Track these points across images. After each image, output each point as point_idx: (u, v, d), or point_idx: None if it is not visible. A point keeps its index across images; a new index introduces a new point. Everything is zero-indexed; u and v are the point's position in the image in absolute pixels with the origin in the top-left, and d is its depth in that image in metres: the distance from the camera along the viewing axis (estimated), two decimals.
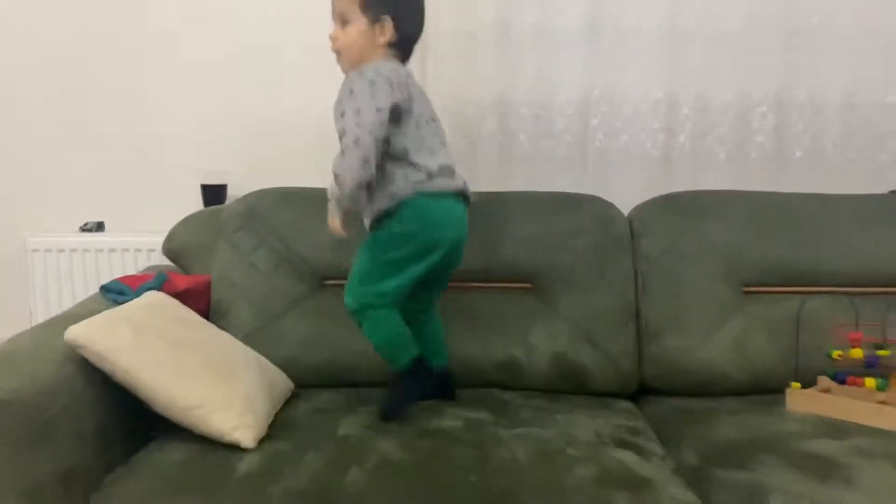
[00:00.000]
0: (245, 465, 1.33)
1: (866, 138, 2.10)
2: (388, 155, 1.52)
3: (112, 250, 2.15)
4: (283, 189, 1.92)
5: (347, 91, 1.49)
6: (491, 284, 1.84)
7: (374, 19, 1.55)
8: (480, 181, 2.10)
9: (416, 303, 1.65)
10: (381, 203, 1.53)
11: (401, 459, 1.36)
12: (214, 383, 1.43)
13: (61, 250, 2.15)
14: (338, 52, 1.60)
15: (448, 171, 1.58)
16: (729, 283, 1.81)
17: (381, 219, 1.55)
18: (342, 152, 1.46)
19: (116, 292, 1.74)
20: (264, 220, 1.86)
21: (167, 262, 2.11)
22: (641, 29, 2.09)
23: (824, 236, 1.83)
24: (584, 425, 1.56)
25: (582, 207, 1.90)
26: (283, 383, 1.66)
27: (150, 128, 2.22)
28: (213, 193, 2.16)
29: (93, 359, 1.37)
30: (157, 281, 1.71)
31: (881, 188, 2.01)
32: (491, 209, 1.88)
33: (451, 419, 1.55)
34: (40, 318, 2.16)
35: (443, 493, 1.27)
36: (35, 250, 2.14)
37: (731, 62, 2.09)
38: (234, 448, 1.38)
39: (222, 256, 1.85)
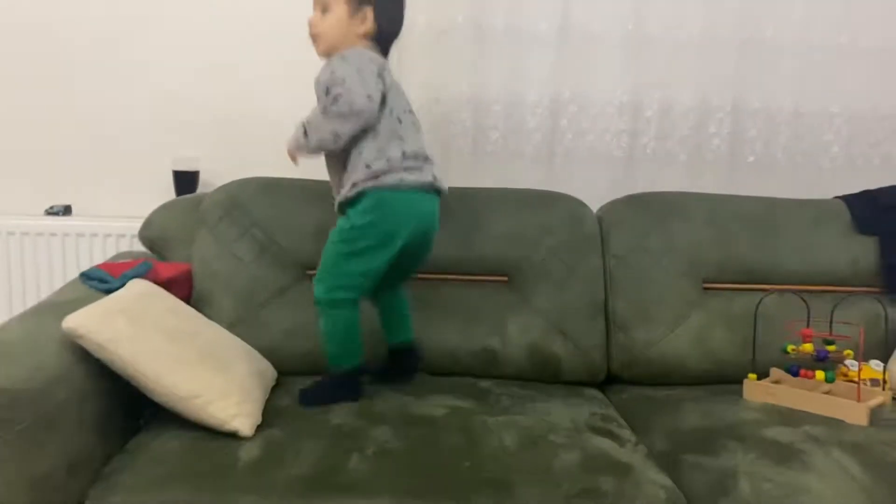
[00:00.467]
0: (245, 452, 1.37)
1: (812, 145, 2.26)
2: (356, 140, 1.56)
3: (80, 235, 2.12)
4: (263, 179, 1.94)
5: (334, 67, 1.54)
6: (468, 277, 1.91)
7: (356, 9, 1.59)
8: (453, 175, 2.15)
9: (383, 282, 1.67)
10: (345, 191, 1.58)
11: (397, 447, 1.42)
12: (212, 373, 1.46)
13: (25, 233, 2.11)
14: (315, 37, 1.63)
15: (416, 159, 1.60)
16: (690, 280, 1.93)
17: (345, 206, 1.60)
18: (324, 114, 1.53)
19: (98, 279, 1.73)
20: (246, 210, 1.88)
21: (137, 248, 2.11)
22: (608, 35, 2.18)
23: (777, 237, 1.97)
24: (560, 413, 1.65)
25: (555, 205, 1.98)
26: (270, 372, 1.69)
27: (119, 111, 2.19)
28: (186, 180, 2.15)
29: (91, 348, 1.37)
30: (142, 269, 1.71)
31: (824, 191, 2.16)
32: (468, 205, 1.95)
33: (436, 406, 1.62)
34: (2, 300, 2.12)
35: (441, 478, 1.34)
36: None
37: (691, 70, 2.20)
38: (229, 436, 1.41)
39: (203, 245, 1.86)
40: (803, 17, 2.19)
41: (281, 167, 2.02)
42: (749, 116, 2.23)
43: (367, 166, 1.55)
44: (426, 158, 1.63)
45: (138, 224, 2.07)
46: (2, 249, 2.11)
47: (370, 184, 1.55)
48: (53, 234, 2.12)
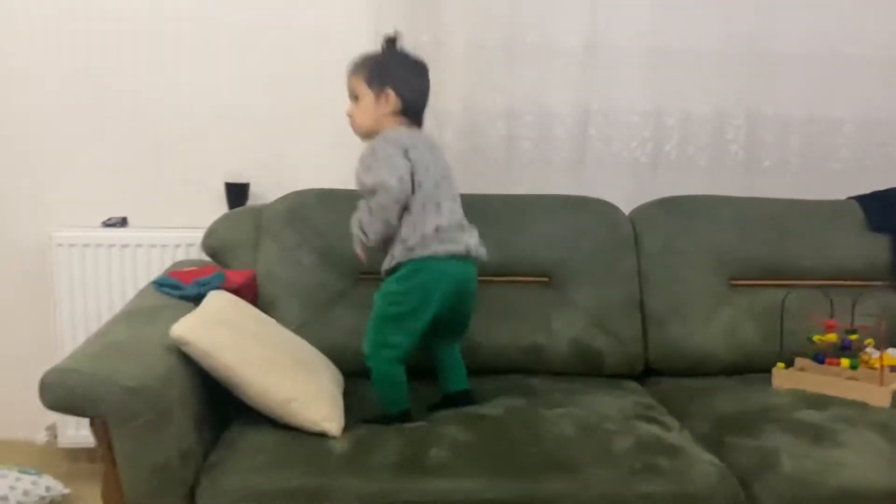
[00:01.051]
0: (338, 445, 1.50)
1: (823, 149, 2.40)
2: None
3: (137, 245, 2.22)
4: (319, 190, 2.07)
5: (367, 164, 1.69)
6: (512, 279, 2.04)
7: (378, 91, 1.74)
8: (488, 182, 2.28)
9: (439, 340, 1.79)
10: (386, 262, 1.72)
11: (469, 440, 1.55)
12: (304, 379, 1.59)
13: (86, 245, 2.20)
14: (353, 126, 1.80)
15: (450, 231, 1.70)
16: (719, 277, 2.08)
17: (388, 273, 1.73)
18: (370, 211, 1.67)
19: (171, 286, 1.85)
20: (305, 219, 2.00)
21: (191, 256, 2.23)
22: (631, 49, 2.31)
23: (797, 236, 2.12)
24: (607, 403, 1.78)
25: (590, 209, 2.13)
26: (340, 376, 1.81)
27: (172, 125, 2.30)
28: (237, 192, 2.26)
29: (196, 355, 1.49)
30: (217, 277, 1.83)
31: (836, 193, 2.31)
32: (509, 211, 2.09)
33: (492, 408, 1.73)
34: (64, 309, 2.22)
35: (514, 463, 1.48)
36: (60, 245, 2.19)
37: (709, 81, 2.34)
38: (319, 435, 1.53)
39: (267, 253, 1.98)
40: (812, 30, 2.33)
41: (325, 178, 2.17)
42: (764, 123, 2.37)
43: (403, 241, 1.68)
44: (461, 228, 1.75)
45: (192, 234, 2.21)
46: (63, 261, 2.20)
47: (406, 256, 1.68)
48: (112, 245, 2.22)
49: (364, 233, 1.71)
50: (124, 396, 1.32)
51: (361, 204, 1.73)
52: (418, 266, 1.68)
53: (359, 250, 1.75)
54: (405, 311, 1.69)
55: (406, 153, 1.69)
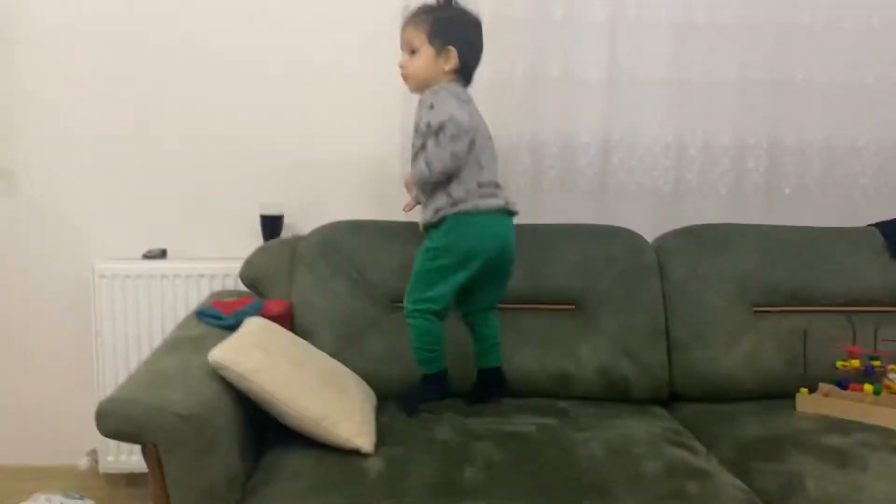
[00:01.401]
0: (372, 466, 1.56)
1: (842, 177, 2.45)
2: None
3: (176, 276, 2.30)
4: (353, 221, 2.14)
5: (429, 104, 1.75)
6: (540, 306, 2.10)
7: (440, 48, 1.80)
8: None
9: (475, 304, 1.90)
10: (427, 215, 1.80)
11: (502, 459, 1.61)
12: (335, 397, 1.65)
13: (127, 276, 2.29)
14: (406, 77, 1.85)
15: (489, 187, 1.82)
16: (741, 304, 2.12)
17: (429, 228, 1.82)
18: (437, 143, 1.71)
19: (212, 316, 1.92)
20: (339, 250, 2.07)
21: (228, 286, 2.30)
22: (653, 80, 2.37)
23: (818, 263, 2.16)
24: (635, 427, 1.83)
25: (615, 238, 2.18)
26: (373, 395, 1.88)
27: (209, 160, 2.39)
28: (271, 223, 2.34)
29: (233, 379, 1.56)
30: (256, 306, 1.90)
31: (856, 220, 2.35)
32: (536, 240, 2.14)
33: (524, 425, 1.80)
34: (106, 338, 2.30)
35: (547, 484, 1.53)
36: (102, 276, 2.28)
37: (729, 110, 2.40)
38: (353, 453, 1.60)
39: (302, 283, 2.05)
40: (830, 59, 2.38)
41: (357, 210, 2.25)
42: (784, 152, 2.42)
43: (448, 195, 1.76)
44: (497, 185, 1.85)
45: (229, 265, 2.29)
46: (105, 291, 2.28)
47: (450, 210, 1.77)
48: (151, 276, 2.30)
49: (429, 165, 1.72)
50: (176, 424, 1.39)
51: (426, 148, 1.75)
52: (463, 220, 1.77)
53: (411, 193, 1.80)
54: (447, 265, 1.78)
55: (465, 107, 1.77)
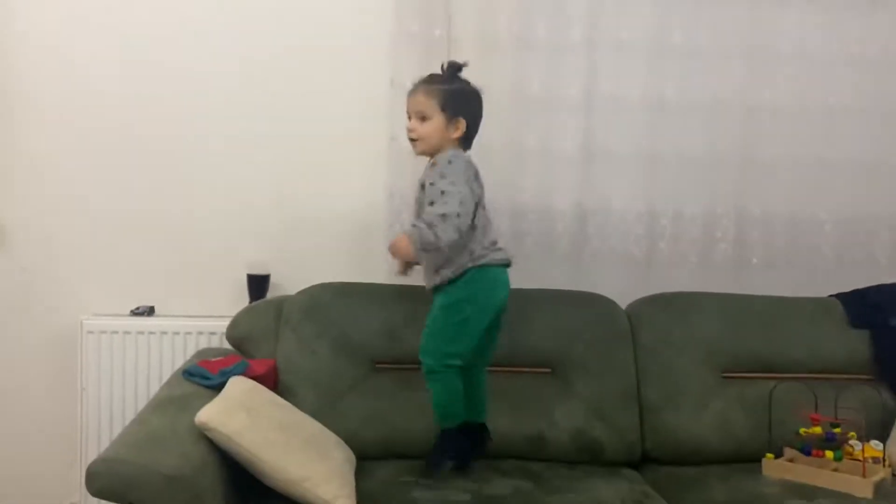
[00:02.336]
0: None
1: (806, 248, 2.57)
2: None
3: (163, 333, 2.36)
4: (339, 284, 2.22)
5: (442, 172, 1.86)
6: (516, 369, 2.17)
7: (451, 118, 1.93)
8: None
9: (476, 358, 1.97)
10: (448, 272, 1.89)
11: None
12: (317, 459, 1.71)
13: (115, 332, 2.34)
14: (415, 140, 1.96)
15: (496, 243, 1.97)
16: (710, 369, 2.21)
17: (446, 285, 1.90)
18: (444, 218, 1.79)
19: (200, 376, 1.97)
20: (324, 312, 2.14)
21: (215, 344, 2.36)
22: (626, 153, 2.50)
23: (783, 331, 2.26)
24: (606, 491, 1.90)
25: (590, 304, 2.28)
26: (353, 458, 1.92)
27: (196, 219, 2.46)
28: (258, 283, 2.41)
29: (219, 440, 1.61)
30: (241, 367, 1.96)
31: (819, 289, 2.46)
32: (513, 304, 2.18)
33: (500, 487, 1.87)
34: (91, 393, 2.33)
35: None
36: (90, 332, 2.33)
37: (698, 183, 2.52)
38: None
39: (287, 343, 2.11)
40: (793, 136, 2.52)
41: (343, 272, 2.32)
42: (751, 223, 2.55)
43: (471, 252, 1.90)
44: (497, 241, 2.00)
45: (215, 323, 2.35)
46: (92, 347, 2.33)
47: (472, 264, 1.89)
48: (139, 333, 2.35)
49: (437, 237, 1.79)
50: (164, 485, 1.44)
51: (430, 210, 1.84)
52: (484, 272, 1.90)
53: (411, 251, 1.82)
54: (469, 316, 1.89)
55: (476, 176, 1.93)
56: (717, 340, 2.23)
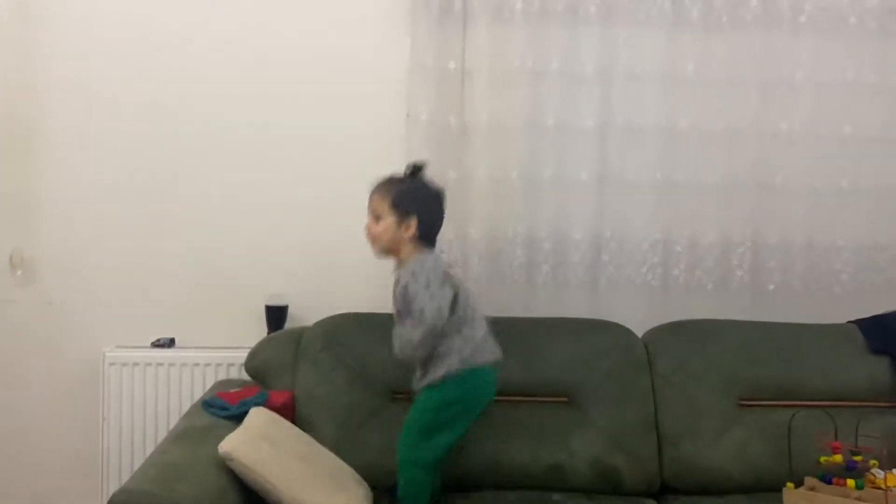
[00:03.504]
0: None
1: (824, 274, 2.56)
2: (444, 331, 1.86)
3: (183, 364, 2.39)
4: (355, 314, 2.24)
5: (403, 287, 1.87)
6: (533, 399, 2.17)
7: (401, 218, 1.93)
8: (508, 303, 2.44)
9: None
10: (436, 374, 1.88)
11: None
12: (336, 493, 1.73)
13: (136, 364, 2.38)
14: (370, 240, 1.98)
15: (486, 339, 1.94)
16: (728, 398, 2.20)
17: (432, 386, 1.89)
18: (423, 332, 1.82)
19: (219, 407, 2.00)
20: (341, 342, 2.17)
21: (233, 376, 2.38)
22: (641, 182, 2.51)
23: (802, 359, 2.25)
24: None
25: (606, 332, 2.28)
26: (370, 492, 1.93)
27: (215, 252, 2.50)
28: (276, 314, 2.44)
29: (240, 470, 1.64)
30: (261, 398, 1.98)
31: (838, 315, 2.45)
32: (530, 333, 2.24)
33: None
34: (113, 424, 2.37)
35: None
36: (112, 363, 2.37)
37: (714, 210, 2.53)
38: None
39: (305, 375, 2.13)
40: (810, 164, 2.52)
41: (361, 302, 2.34)
42: (767, 250, 2.54)
43: (460, 352, 1.88)
44: (488, 334, 1.96)
45: (235, 354, 2.38)
46: (114, 378, 2.37)
47: (461, 365, 1.87)
48: (160, 364, 2.39)
49: (402, 350, 1.85)
50: None
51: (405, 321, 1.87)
52: (474, 373, 1.88)
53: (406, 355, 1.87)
54: (455, 417, 1.88)
55: (445, 279, 1.89)
56: (734, 368, 2.22)
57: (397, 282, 1.93)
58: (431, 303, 1.82)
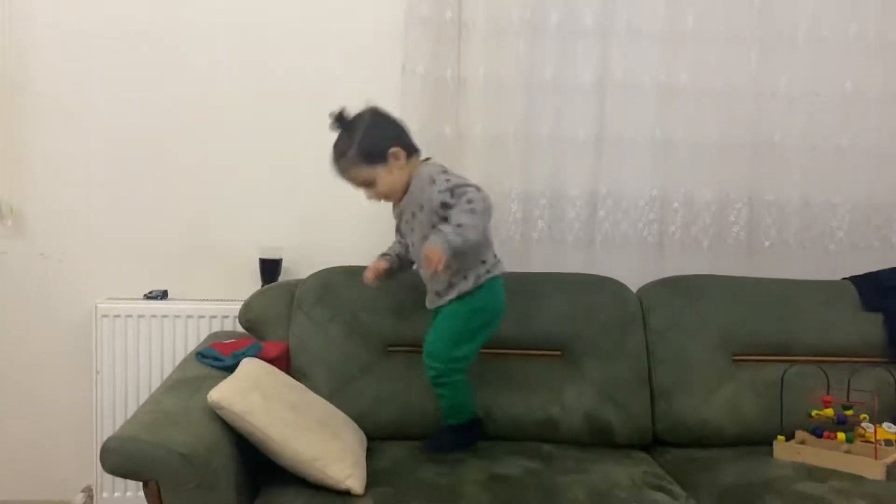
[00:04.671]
0: None
1: (819, 232, 2.56)
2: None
3: (176, 316, 2.38)
4: (348, 267, 2.23)
5: (441, 177, 1.85)
6: (527, 352, 2.17)
7: (384, 160, 1.88)
8: (505, 260, 2.40)
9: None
10: (466, 286, 1.89)
11: (489, 501, 1.67)
12: (328, 440, 1.72)
13: (129, 316, 2.36)
14: (385, 199, 1.94)
15: (497, 255, 1.99)
16: (722, 353, 2.20)
17: (463, 296, 1.90)
18: (472, 211, 1.78)
19: (213, 358, 1.99)
20: (336, 295, 2.16)
21: (227, 328, 2.38)
22: (638, 139, 2.49)
23: (796, 315, 2.25)
24: (618, 472, 1.90)
25: (601, 287, 2.27)
26: (364, 438, 1.94)
27: (210, 206, 2.48)
28: (270, 267, 2.42)
29: (231, 419, 1.63)
30: (254, 349, 1.98)
31: (832, 272, 2.45)
32: (525, 288, 2.23)
33: (511, 467, 1.87)
34: (106, 376, 2.36)
35: None
36: (105, 315, 2.35)
37: (711, 168, 2.51)
38: (344, 494, 1.66)
39: (299, 326, 2.13)
40: (807, 122, 2.51)
41: (353, 255, 2.33)
42: (763, 207, 2.53)
43: (484, 262, 1.91)
44: None
45: (228, 307, 2.37)
46: (106, 330, 2.35)
47: (486, 276, 1.91)
48: (153, 316, 2.37)
49: (463, 235, 1.75)
50: (178, 463, 1.46)
51: (454, 213, 1.79)
52: (496, 284, 1.93)
53: (444, 253, 1.74)
54: (481, 325, 1.93)
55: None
56: (728, 324, 2.22)
57: (405, 212, 1.94)
58: (474, 186, 1.83)
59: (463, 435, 1.99)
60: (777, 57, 2.51)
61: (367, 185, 1.91)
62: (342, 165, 1.91)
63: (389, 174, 1.89)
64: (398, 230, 2.08)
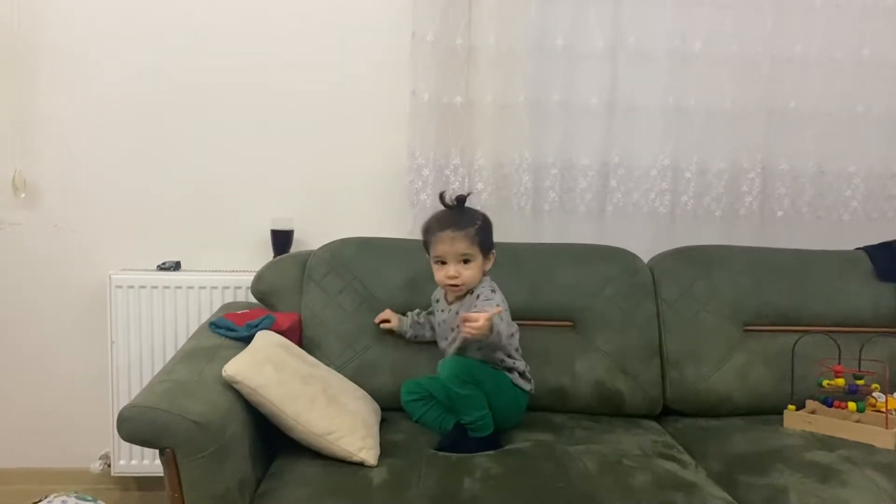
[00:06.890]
0: (376, 475, 1.64)
1: (833, 201, 2.54)
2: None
3: (189, 287, 2.39)
4: (360, 238, 2.23)
5: (487, 296, 1.91)
6: (538, 322, 2.17)
7: (486, 255, 1.95)
8: (515, 230, 2.43)
9: None
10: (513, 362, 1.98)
11: (499, 472, 1.69)
12: (341, 412, 1.74)
13: (142, 287, 2.38)
14: (462, 285, 1.93)
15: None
16: (733, 323, 2.20)
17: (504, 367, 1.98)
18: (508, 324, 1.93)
19: (226, 328, 2.01)
20: (348, 266, 2.16)
21: (240, 299, 2.39)
22: (650, 107, 2.46)
23: (807, 285, 2.24)
24: (628, 441, 1.91)
25: (612, 258, 2.27)
26: (378, 410, 1.95)
27: (221, 175, 2.48)
28: (282, 238, 2.43)
29: (245, 392, 1.65)
30: (268, 321, 1.99)
31: (846, 243, 2.44)
32: (536, 258, 2.24)
33: (522, 441, 1.88)
34: (121, 346, 2.39)
35: (542, 496, 1.61)
36: (118, 286, 2.37)
37: (724, 136, 2.49)
38: (358, 465, 1.68)
39: (311, 297, 2.14)
40: (822, 89, 2.48)
41: (365, 227, 2.34)
42: (777, 176, 2.51)
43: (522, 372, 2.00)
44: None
45: (240, 278, 2.39)
46: (120, 301, 2.38)
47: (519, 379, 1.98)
48: (166, 287, 2.39)
49: (501, 328, 1.83)
50: (193, 431, 1.48)
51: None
52: (520, 395, 1.99)
53: (485, 331, 1.74)
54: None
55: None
56: (739, 294, 2.22)
57: (447, 311, 2.00)
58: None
59: (479, 444, 1.86)
60: (793, 22, 2.47)
61: (465, 260, 1.92)
62: (460, 232, 1.90)
63: (479, 267, 1.94)
64: (430, 312, 2.11)
